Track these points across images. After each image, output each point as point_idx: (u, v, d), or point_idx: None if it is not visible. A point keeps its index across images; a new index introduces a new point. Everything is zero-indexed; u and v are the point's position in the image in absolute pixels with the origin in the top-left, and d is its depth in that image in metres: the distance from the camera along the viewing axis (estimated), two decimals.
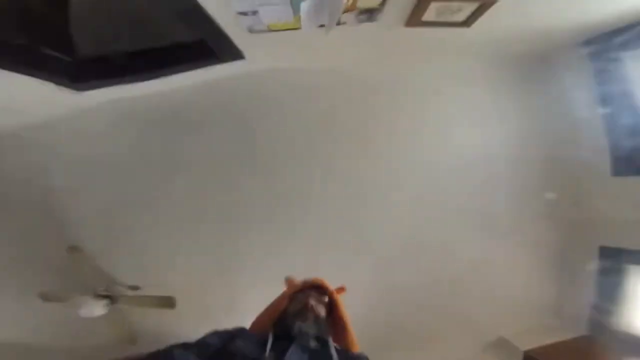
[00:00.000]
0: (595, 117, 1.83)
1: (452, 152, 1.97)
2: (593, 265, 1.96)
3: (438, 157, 1.98)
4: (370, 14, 1.40)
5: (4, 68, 1.45)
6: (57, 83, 1.62)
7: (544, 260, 2.10)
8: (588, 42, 1.73)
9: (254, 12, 1.32)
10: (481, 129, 1.96)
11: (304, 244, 2.03)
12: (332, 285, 1.20)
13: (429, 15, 1.43)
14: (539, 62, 1.87)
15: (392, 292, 2.07)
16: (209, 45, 1.57)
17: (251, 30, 1.43)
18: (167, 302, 1.89)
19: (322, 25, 1.36)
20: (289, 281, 1.24)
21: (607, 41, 1.67)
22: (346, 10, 1.34)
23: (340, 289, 1.26)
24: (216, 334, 1.04)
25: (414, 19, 1.44)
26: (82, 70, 1.62)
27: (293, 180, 1.97)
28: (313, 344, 1.06)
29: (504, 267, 2.10)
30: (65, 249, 1.89)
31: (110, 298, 1.96)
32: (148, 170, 1.91)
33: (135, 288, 2.03)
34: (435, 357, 2.09)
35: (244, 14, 1.33)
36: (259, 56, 1.66)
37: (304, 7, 1.27)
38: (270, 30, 1.42)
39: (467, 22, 1.53)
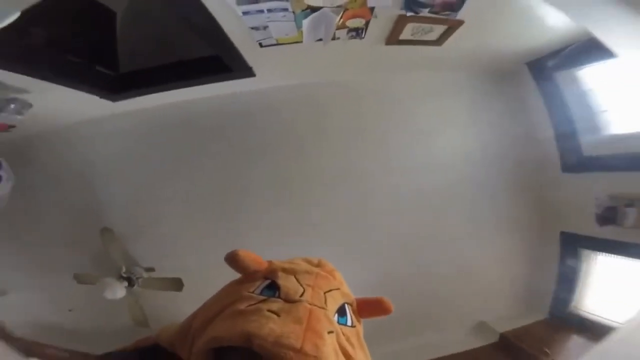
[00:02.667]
0: (547, 125, 2.20)
1: (435, 153, 2.27)
2: (556, 251, 2.21)
3: (424, 157, 2.27)
4: (357, 32, 1.76)
5: (59, 83, 1.74)
6: (100, 96, 1.92)
7: (517, 248, 2.35)
8: (530, 64, 2.14)
9: (265, 27, 1.66)
10: (459, 134, 2.28)
11: (303, 234, 2.22)
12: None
13: (406, 34, 1.80)
14: (503, 77, 2.23)
15: (384, 284, 2.23)
16: (223, 62, 1.91)
17: (262, 45, 1.77)
18: (175, 285, 2.00)
19: (320, 39, 1.73)
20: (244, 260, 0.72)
21: (544, 63, 2.09)
22: (338, 28, 1.69)
23: (379, 306, 0.73)
24: None
25: (393, 37, 1.81)
26: (121, 84, 1.93)
27: (294, 180, 2.23)
28: None
29: (484, 257, 2.33)
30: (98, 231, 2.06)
31: (130, 280, 2.07)
32: (168, 167, 2.18)
33: (150, 270, 2.13)
34: (426, 343, 2.23)
35: (256, 28, 1.67)
36: (268, 73, 1.99)
37: (304, 23, 1.62)
38: (279, 43, 1.76)
39: (439, 41, 1.89)
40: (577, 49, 1.95)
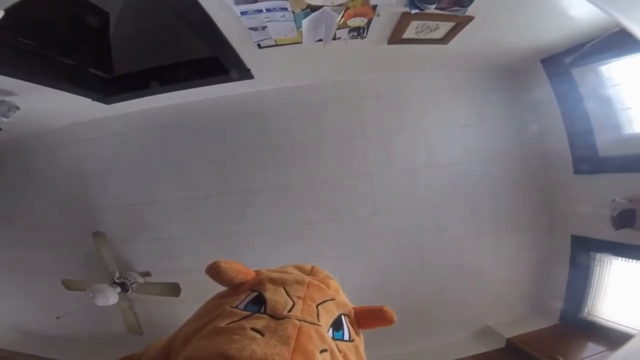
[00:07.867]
0: (558, 123, 2.10)
1: (438, 151, 2.21)
2: (566, 255, 2.15)
3: (427, 156, 2.22)
4: (358, 31, 1.68)
5: (50, 86, 1.70)
6: (94, 98, 1.89)
7: (525, 251, 2.28)
8: (545, 60, 2.03)
9: (263, 28, 1.60)
10: (463, 133, 2.21)
11: (303, 236, 2.21)
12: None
13: (409, 33, 1.72)
14: (512, 74, 2.15)
15: (385, 286, 2.21)
16: (221, 64, 1.85)
17: (260, 45, 1.71)
18: (173, 290, 1.96)
19: (320, 40, 1.66)
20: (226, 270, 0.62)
21: (559, 60, 1.98)
22: (339, 27, 1.62)
23: (380, 316, 0.65)
24: None
25: (395, 36, 1.72)
26: (115, 86, 1.89)
27: (294, 182, 2.19)
28: None
29: (490, 259, 2.28)
30: (91, 234, 2.05)
31: (124, 285, 2.04)
32: (165, 169, 2.16)
33: (146, 274, 2.12)
34: (427, 346, 2.21)
35: (254, 29, 1.61)
36: (266, 75, 1.94)
37: (304, 23, 1.55)
38: (277, 44, 1.70)
39: (445, 40, 1.81)
40: (599, 43, 1.82)
